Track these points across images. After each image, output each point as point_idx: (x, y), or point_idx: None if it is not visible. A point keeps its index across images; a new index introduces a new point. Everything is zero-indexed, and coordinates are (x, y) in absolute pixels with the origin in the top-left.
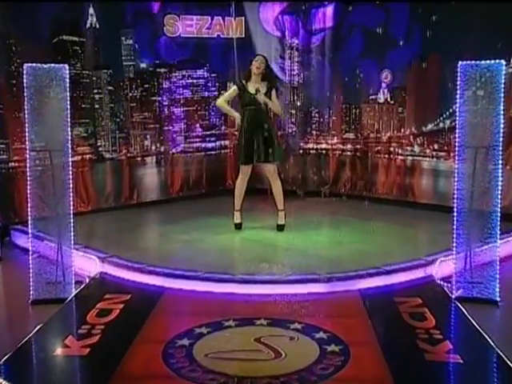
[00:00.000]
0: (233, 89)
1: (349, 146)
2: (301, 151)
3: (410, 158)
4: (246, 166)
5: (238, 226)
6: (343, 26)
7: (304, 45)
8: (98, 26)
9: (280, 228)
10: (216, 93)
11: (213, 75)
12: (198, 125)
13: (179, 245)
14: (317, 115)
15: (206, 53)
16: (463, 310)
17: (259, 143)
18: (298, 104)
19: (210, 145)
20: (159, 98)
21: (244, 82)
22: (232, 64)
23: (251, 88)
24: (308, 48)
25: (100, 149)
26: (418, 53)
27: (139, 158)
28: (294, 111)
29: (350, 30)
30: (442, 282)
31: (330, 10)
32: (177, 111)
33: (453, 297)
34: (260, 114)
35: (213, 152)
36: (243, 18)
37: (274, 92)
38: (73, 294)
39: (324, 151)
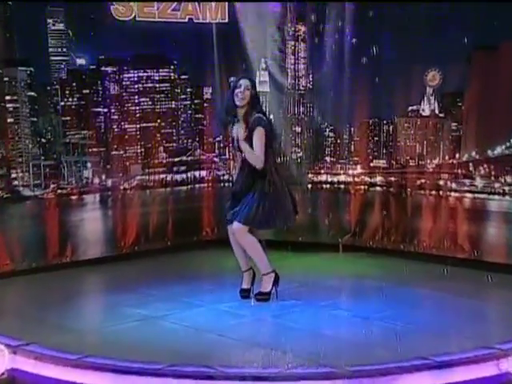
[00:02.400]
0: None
1: (379, 179)
2: (309, 186)
3: (469, 195)
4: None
5: (245, 294)
6: (370, 7)
7: (314, 34)
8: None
9: (261, 297)
10: (188, 102)
11: (183, 77)
12: (161, 148)
13: (133, 323)
14: (332, 134)
15: (173, 45)
16: None
17: (241, 197)
18: (306, 119)
19: (178, 177)
20: (105, 110)
21: (223, 113)
22: (210, 61)
23: (235, 128)
24: (319, 39)
25: (15, 183)
26: (482, 42)
27: (75, 197)
28: (298, 129)
29: (381, 14)
30: None
31: None
32: (131, 129)
33: None
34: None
35: (183, 187)
36: None
37: (257, 132)
38: None
39: (343, 186)
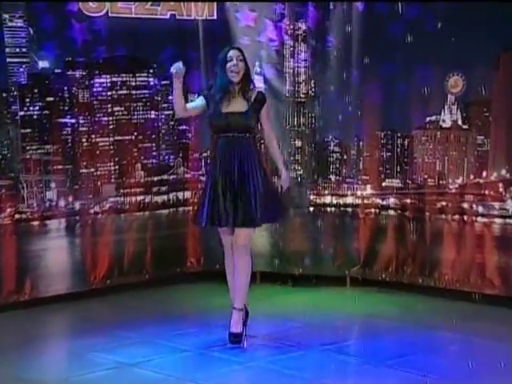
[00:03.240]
0: (200, 99)
1: (392, 201)
2: (311, 209)
3: (498, 220)
4: (223, 231)
5: (235, 338)
6: (381, 5)
7: (317, 32)
8: None
9: (234, 339)
10: (170, 111)
11: (164, 83)
12: (138, 165)
13: (105, 372)
14: (337, 149)
15: (152, 45)
16: None
17: (236, 193)
18: (307, 131)
19: (159, 198)
20: (72, 121)
21: (217, 93)
22: (196, 64)
23: (227, 105)
24: (324, 37)
25: None
26: None
27: (36, 222)
28: (298, 143)
29: (394, 11)
30: None
31: None
32: (103, 142)
33: None
34: (241, 146)
35: (164, 211)
36: None
37: (264, 110)
38: None
39: (350, 209)
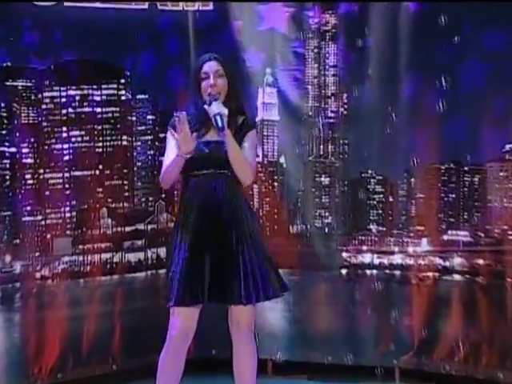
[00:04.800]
0: (172, 142)
1: (457, 262)
2: (343, 271)
3: None
4: (186, 311)
5: None
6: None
7: (350, 30)
8: None
9: None
10: (149, 136)
11: (140, 97)
12: (104, 211)
13: None
14: (380, 189)
15: (125, 45)
16: None
17: (221, 256)
18: (337, 164)
19: (132, 257)
20: (12, 150)
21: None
22: (183, 71)
23: (203, 132)
24: (360, 38)
25: None
26: None
27: None
28: (326, 179)
29: (458, 15)
30: None
31: None
32: (55, 179)
33: None
34: (225, 187)
35: (139, 274)
36: None
37: (251, 136)
38: None
39: (399, 272)
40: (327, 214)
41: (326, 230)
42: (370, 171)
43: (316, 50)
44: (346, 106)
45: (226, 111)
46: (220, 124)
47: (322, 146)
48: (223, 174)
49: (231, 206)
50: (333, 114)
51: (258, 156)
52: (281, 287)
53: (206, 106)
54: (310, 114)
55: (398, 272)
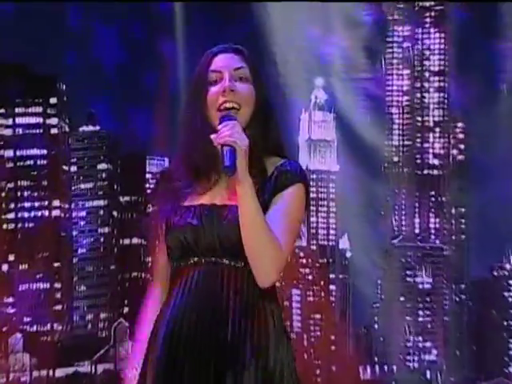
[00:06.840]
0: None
1: None
2: None
3: None
4: None
5: None
6: None
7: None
8: None
9: None
10: (102, 201)
11: (89, 129)
12: (19, 336)
13: None
14: None
15: (55, 48)
16: None
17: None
18: (446, 251)
19: None
20: None
21: (178, 169)
22: (164, 85)
23: (203, 189)
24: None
25: None
26: None
27: None
28: (424, 279)
29: None
30: None
31: None
32: None
33: None
34: (234, 291)
35: None
36: None
37: (294, 192)
38: None
39: None
40: (428, 344)
41: (428, 375)
42: (508, 265)
43: (399, 52)
44: (459, 147)
45: (245, 141)
46: (227, 161)
47: (417, 220)
48: (232, 268)
49: (245, 324)
50: (436, 159)
51: (300, 235)
52: None
53: (212, 136)
54: (396, 160)
55: None
